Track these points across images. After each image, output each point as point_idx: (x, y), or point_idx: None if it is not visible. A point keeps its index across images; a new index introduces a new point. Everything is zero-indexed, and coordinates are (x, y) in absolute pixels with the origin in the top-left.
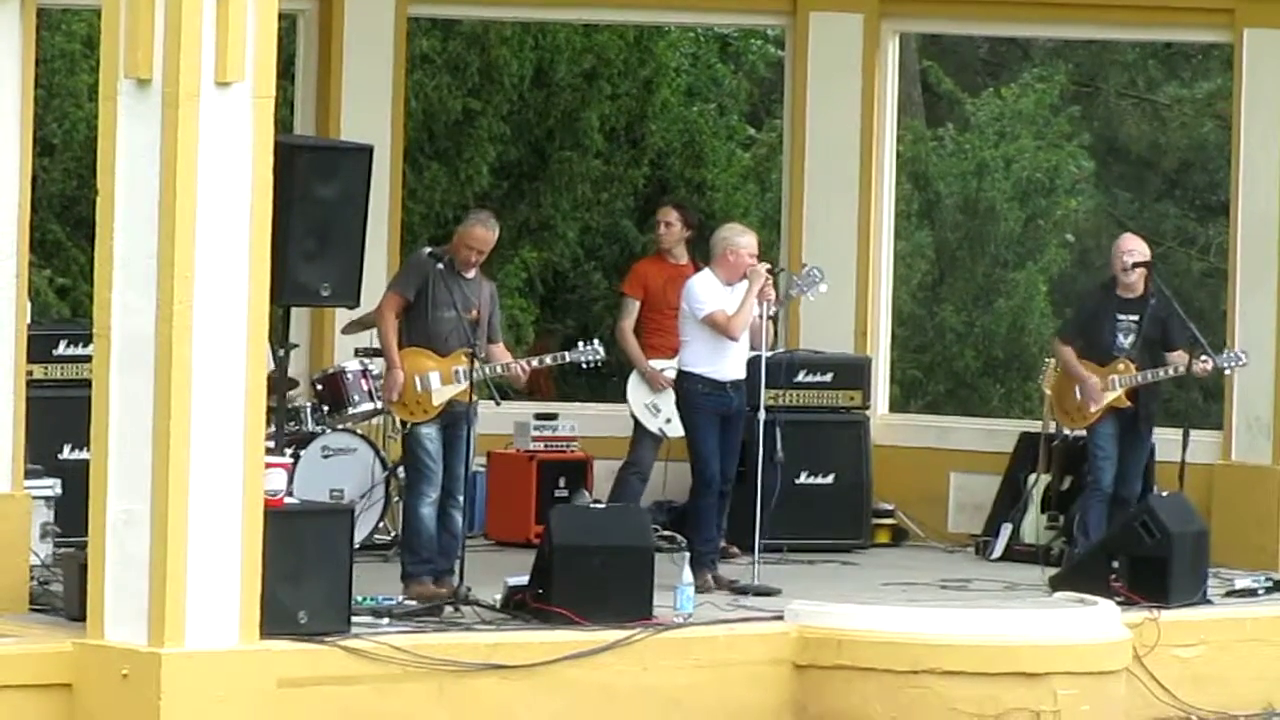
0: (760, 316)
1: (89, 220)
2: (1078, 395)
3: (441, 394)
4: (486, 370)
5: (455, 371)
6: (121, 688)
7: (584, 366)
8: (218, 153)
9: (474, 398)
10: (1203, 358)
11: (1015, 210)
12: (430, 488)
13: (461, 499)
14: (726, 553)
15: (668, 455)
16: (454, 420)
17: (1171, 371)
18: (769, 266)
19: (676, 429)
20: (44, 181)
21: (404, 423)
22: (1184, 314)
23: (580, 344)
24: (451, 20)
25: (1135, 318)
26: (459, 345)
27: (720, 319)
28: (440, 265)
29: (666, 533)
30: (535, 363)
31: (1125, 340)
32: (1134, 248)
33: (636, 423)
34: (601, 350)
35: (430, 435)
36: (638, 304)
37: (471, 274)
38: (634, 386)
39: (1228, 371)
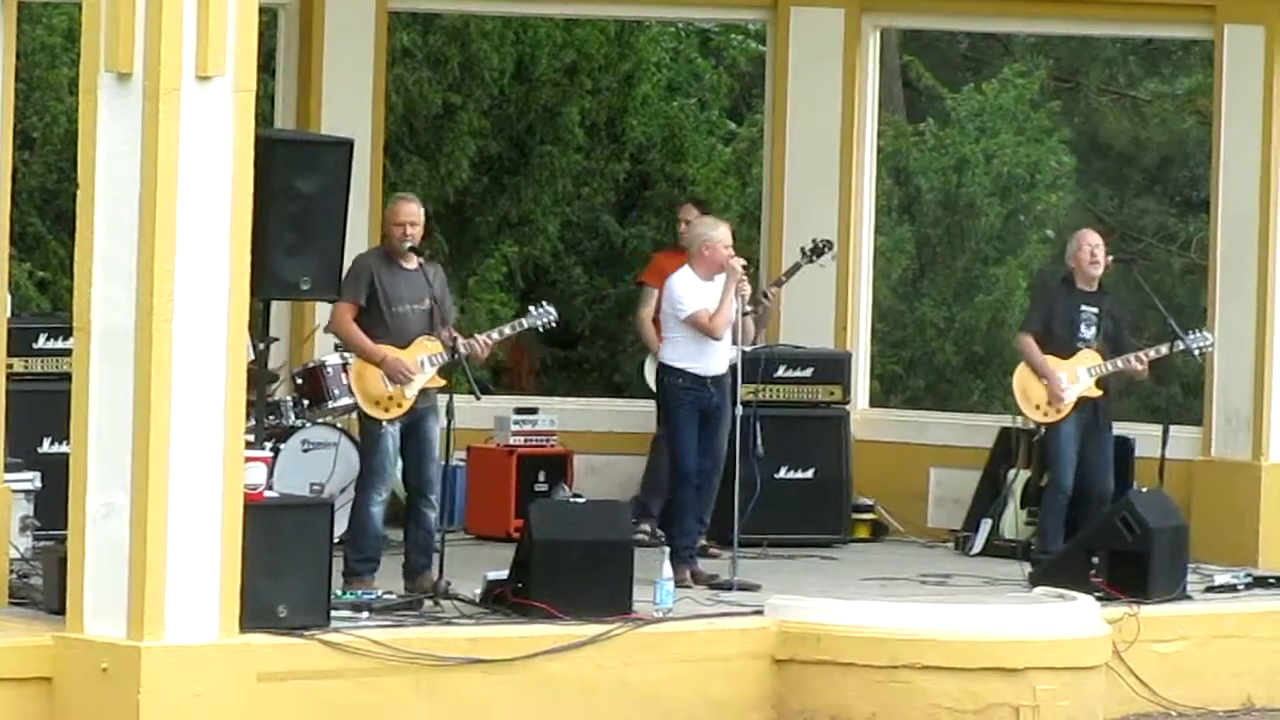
0: (737, 312)
1: (69, 214)
2: (1045, 389)
3: (413, 385)
4: (449, 355)
5: (421, 361)
6: (101, 681)
7: (540, 330)
8: (198, 147)
9: (444, 387)
10: (1175, 342)
11: (995, 205)
12: (384, 487)
13: (434, 497)
14: (705, 552)
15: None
16: (418, 417)
17: (1141, 358)
18: (744, 263)
19: None
20: (24, 175)
21: (364, 416)
22: (1161, 305)
23: (532, 309)
24: (432, 14)
25: (1096, 310)
26: (418, 335)
27: (703, 319)
28: (381, 260)
29: (646, 527)
30: (496, 335)
31: (1088, 331)
32: (1098, 243)
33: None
34: (554, 311)
35: (392, 434)
36: (656, 293)
37: (413, 264)
38: (650, 368)
39: (1196, 354)
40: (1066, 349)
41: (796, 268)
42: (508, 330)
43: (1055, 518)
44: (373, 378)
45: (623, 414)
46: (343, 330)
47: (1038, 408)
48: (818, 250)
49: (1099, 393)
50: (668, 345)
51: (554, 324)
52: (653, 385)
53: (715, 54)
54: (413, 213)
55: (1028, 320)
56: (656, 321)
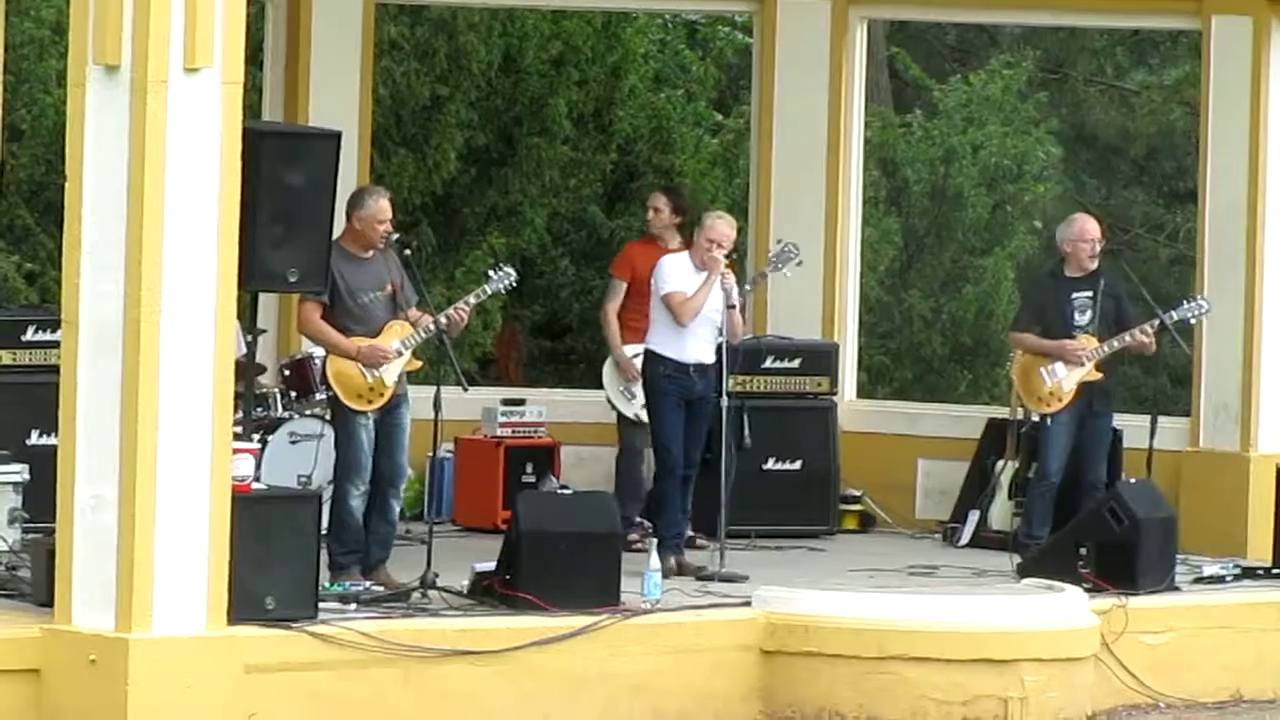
0: (723, 304)
1: (57, 206)
2: (1046, 378)
3: (392, 371)
4: (422, 333)
5: (395, 345)
6: (89, 673)
7: (504, 291)
8: (186, 139)
9: (420, 369)
10: (1169, 313)
11: (983, 196)
12: (361, 480)
13: (401, 486)
14: (692, 543)
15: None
16: (392, 405)
17: (1139, 334)
18: (728, 253)
19: None
20: (12, 167)
21: (340, 410)
22: (1147, 295)
23: (491, 273)
24: (419, 6)
25: (1089, 294)
26: (386, 321)
27: (674, 300)
28: (339, 253)
29: (637, 519)
30: (464, 306)
31: (1083, 317)
32: (1098, 236)
33: (618, 411)
34: (514, 272)
35: (367, 426)
36: (624, 286)
37: (369, 253)
38: (609, 372)
39: (1193, 321)
40: (1065, 339)
41: (762, 276)
42: (473, 299)
43: (1041, 504)
44: (351, 371)
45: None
46: (312, 329)
47: (1040, 399)
48: (783, 257)
49: (1099, 375)
50: (650, 328)
51: (515, 284)
52: (612, 392)
53: (702, 45)
54: (390, 208)
55: (1018, 320)
56: (621, 316)
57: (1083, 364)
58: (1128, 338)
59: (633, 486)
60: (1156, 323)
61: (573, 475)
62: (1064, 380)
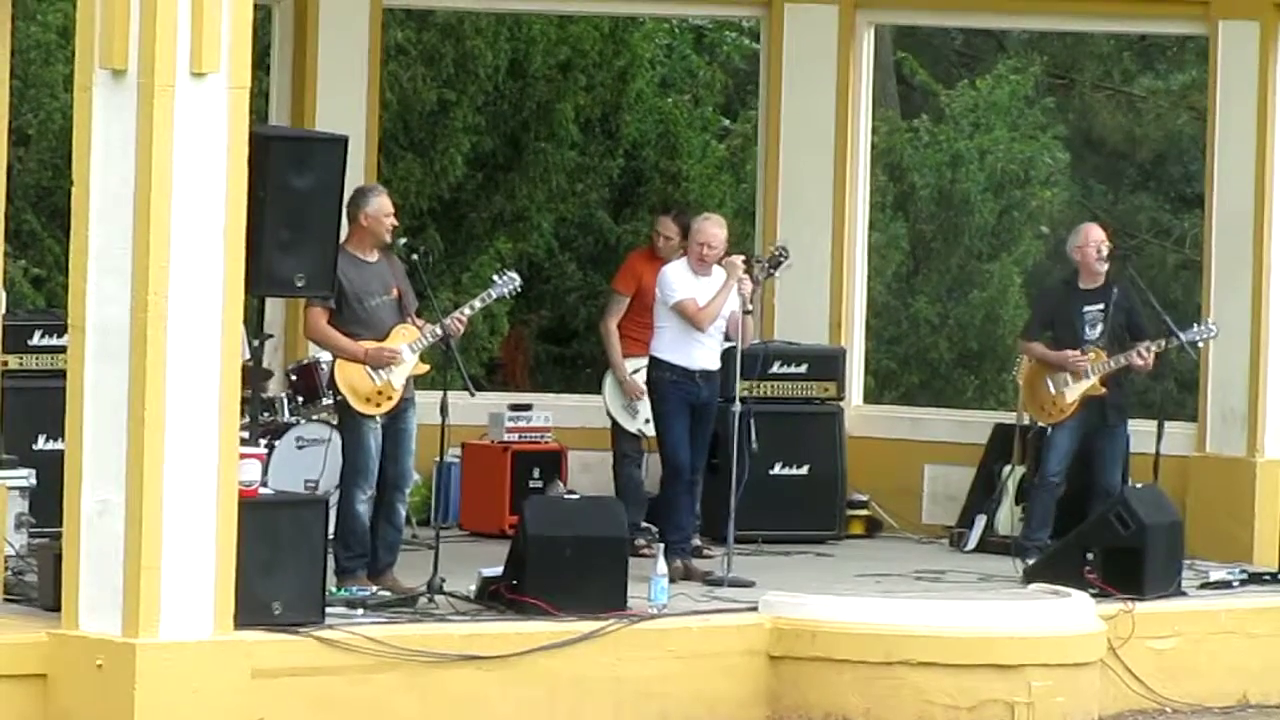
0: (739, 309)
1: (64, 211)
2: (1050, 388)
3: (400, 374)
4: (429, 337)
5: (402, 349)
6: (96, 678)
7: (508, 296)
8: (193, 143)
9: (427, 373)
10: (1171, 338)
11: (990, 202)
12: (368, 484)
13: (408, 490)
14: (699, 553)
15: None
16: (399, 410)
17: (1144, 352)
18: (744, 257)
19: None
20: (19, 172)
21: (348, 414)
22: (1156, 303)
23: (496, 277)
24: (426, 11)
25: (1100, 307)
26: (393, 325)
27: (690, 308)
28: (345, 258)
29: (642, 524)
30: (468, 309)
31: (1093, 332)
32: (1104, 238)
33: (614, 421)
34: (517, 277)
35: (375, 430)
36: (627, 301)
37: (374, 257)
38: (610, 388)
39: (1200, 344)
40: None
41: (756, 283)
42: (478, 304)
43: (1041, 506)
44: (359, 374)
45: None
46: (319, 335)
47: (1043, 408)
48: (775, 261)
49: (1103, 390)
50: (656, 336)
51: (519, 289)
52: (614, 408)
53: (709, 50)
54: (392, 205)
55: (1028, 329)
56: (622, 327)
57: (1085, 377)
58: (1134, 356)
59: (633, 491)
60: (1161, 342)
61: (579, 480)
62: (1067, 392)
